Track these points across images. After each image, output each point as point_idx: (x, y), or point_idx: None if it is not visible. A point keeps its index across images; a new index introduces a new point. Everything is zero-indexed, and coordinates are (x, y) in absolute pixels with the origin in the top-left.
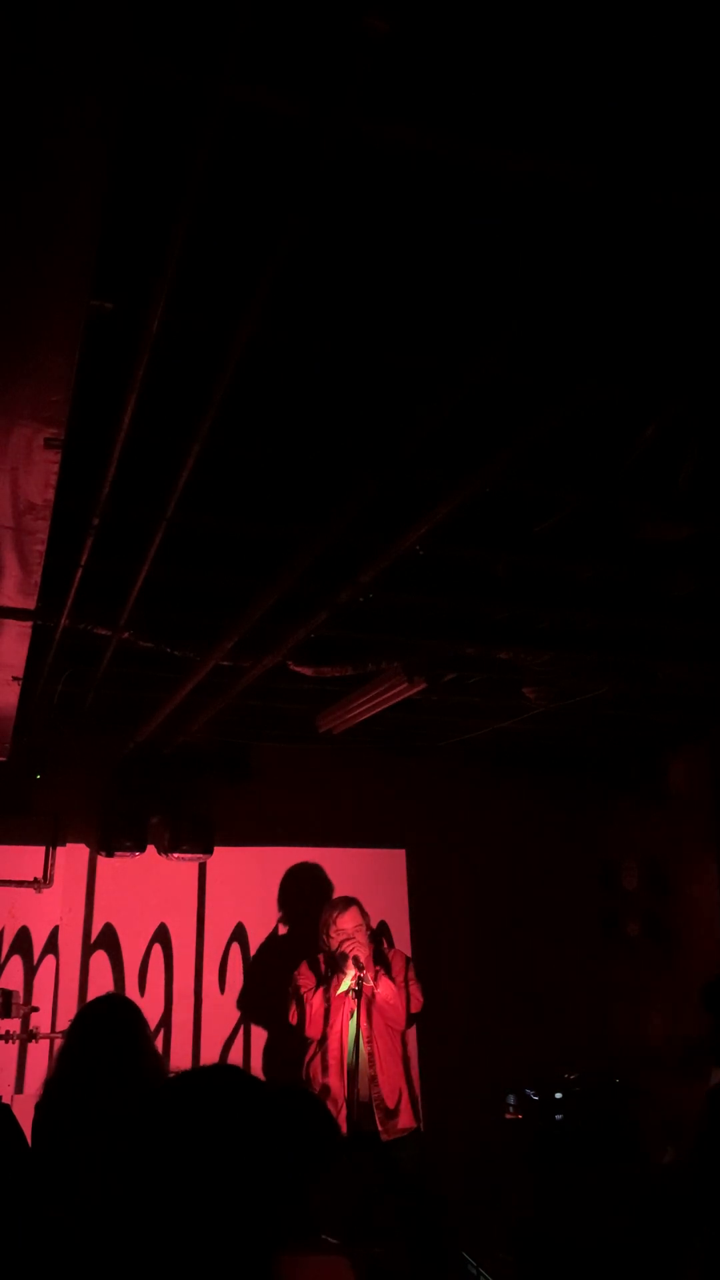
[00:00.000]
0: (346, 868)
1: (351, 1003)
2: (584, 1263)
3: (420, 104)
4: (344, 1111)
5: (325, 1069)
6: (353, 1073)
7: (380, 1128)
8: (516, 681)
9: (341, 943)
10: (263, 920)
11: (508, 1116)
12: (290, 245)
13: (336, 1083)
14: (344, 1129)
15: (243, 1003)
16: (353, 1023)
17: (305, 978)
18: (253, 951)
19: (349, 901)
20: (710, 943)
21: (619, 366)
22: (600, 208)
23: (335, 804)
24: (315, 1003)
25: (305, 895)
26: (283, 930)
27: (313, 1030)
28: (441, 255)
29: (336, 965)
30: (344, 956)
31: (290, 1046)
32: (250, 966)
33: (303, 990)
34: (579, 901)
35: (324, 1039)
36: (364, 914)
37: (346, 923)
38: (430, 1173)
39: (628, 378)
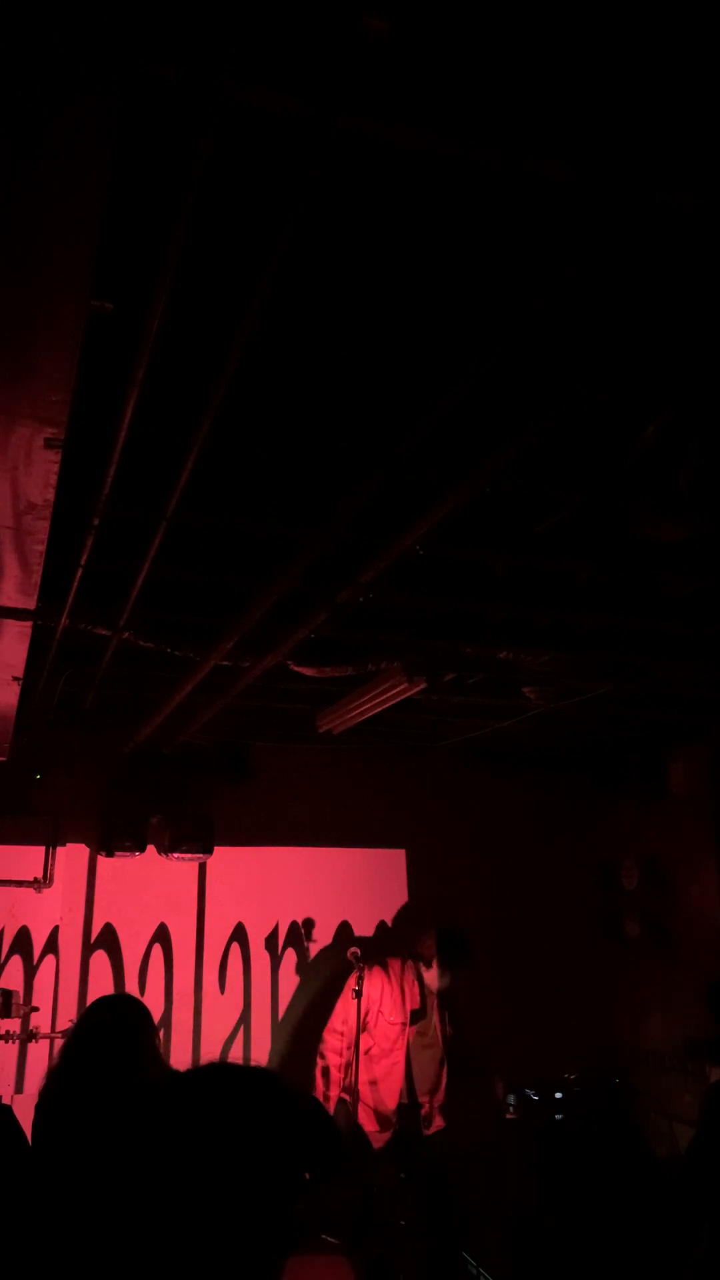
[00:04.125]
0: (346, 868)
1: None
2: (583, 1262)
3: (419, 103)
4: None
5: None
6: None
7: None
8: (516, 681)
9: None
10: (263, 920)
11: (508, 1116)
12: (289, 244)
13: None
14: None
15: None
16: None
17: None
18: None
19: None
20: (710, 943)
21: (619, 366)
22: (601, 207)
23: (335, 804)
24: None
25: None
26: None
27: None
28: (442, 254)
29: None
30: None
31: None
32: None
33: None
34: (579, 901)
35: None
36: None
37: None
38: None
39: (628, 377)
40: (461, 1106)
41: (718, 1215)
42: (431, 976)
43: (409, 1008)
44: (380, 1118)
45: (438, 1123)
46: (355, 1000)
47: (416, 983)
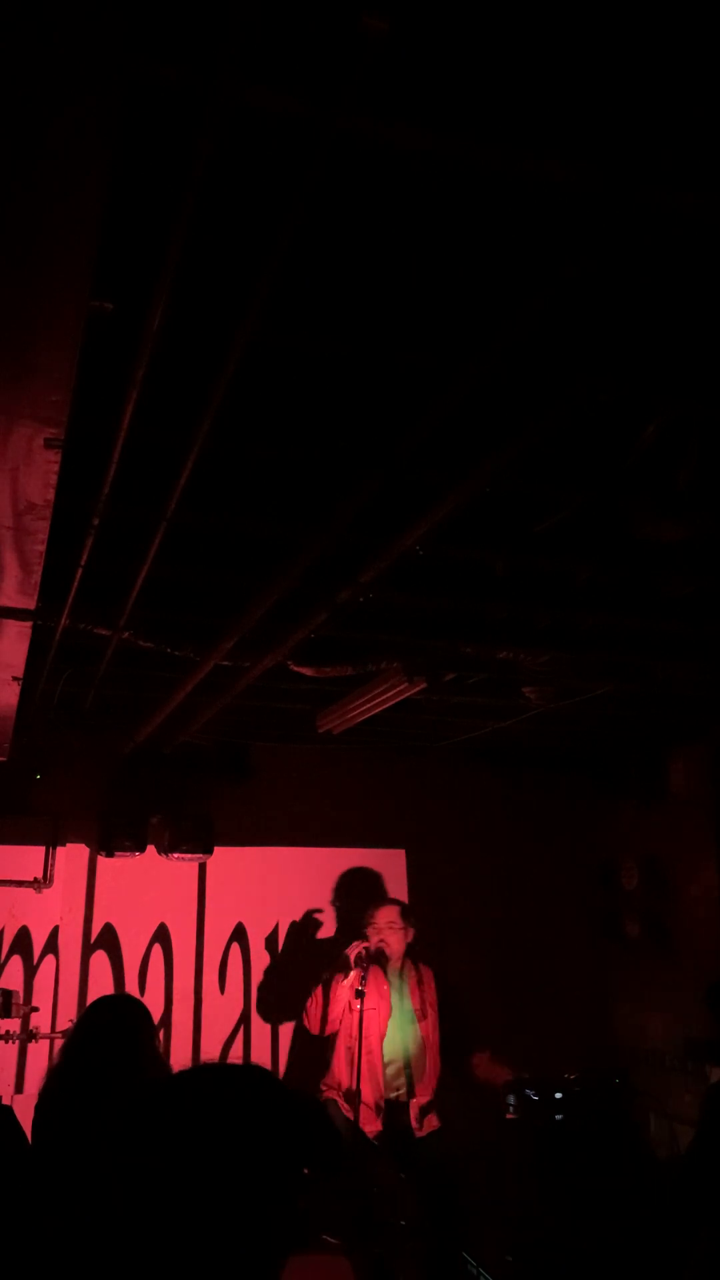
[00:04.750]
0: (346, 868)
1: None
2: (584, 1263)
3: (419, 103)
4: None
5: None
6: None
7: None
8: (516, 681)
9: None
10: (263, 920)
11: (508, 1116)
12: (289, 244)
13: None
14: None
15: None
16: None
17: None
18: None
19: (391, 900)
20: (710, 943)
21: (619, 366)
22: (601, 207)
23: (335, 804)
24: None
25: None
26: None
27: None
28: (442, 254)
29: (377, 960)
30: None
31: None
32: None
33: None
34: (579, 901)
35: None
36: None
37: (381, 918)
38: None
39: (628, 377)
40: (461, 1106)
41: (718, 1216)
42: (397, 947)
43: (386, 998)
44: (367, 1110)
45: (431, 1123)
46: (358, 1000)
47: (406, 973)
